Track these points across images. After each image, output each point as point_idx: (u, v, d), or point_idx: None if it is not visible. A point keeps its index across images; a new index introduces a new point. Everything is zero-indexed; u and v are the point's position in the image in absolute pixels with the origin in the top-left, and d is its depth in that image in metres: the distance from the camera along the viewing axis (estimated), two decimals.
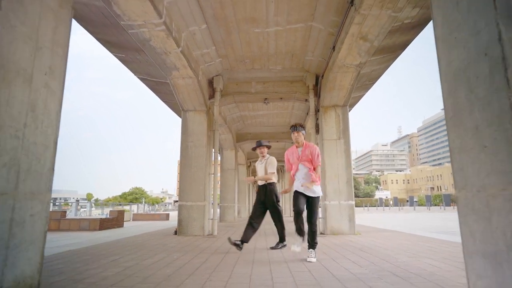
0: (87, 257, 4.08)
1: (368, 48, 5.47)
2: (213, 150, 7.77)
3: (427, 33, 6.88)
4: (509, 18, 1.41)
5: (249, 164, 18.98)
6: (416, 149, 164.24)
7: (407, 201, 63.22)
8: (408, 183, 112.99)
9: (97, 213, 23.33)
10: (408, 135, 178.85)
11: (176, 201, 55.45)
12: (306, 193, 3.81)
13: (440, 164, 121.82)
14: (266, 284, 2.67)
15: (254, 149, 5.14)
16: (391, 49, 6.52)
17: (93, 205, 27.30)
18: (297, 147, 4.07)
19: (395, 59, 7.08)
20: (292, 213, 4.06)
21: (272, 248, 4.77)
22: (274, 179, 4.87)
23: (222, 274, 3.07)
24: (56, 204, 30.91)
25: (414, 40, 6.23)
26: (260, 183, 4.92)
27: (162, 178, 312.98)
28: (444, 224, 12.70)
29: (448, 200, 43.85)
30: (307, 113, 9.57)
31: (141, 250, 4.78)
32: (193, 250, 4.71)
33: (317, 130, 7.62)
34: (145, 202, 48.76)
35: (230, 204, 13.25)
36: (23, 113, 1.92)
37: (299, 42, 6.52)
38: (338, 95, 7.14)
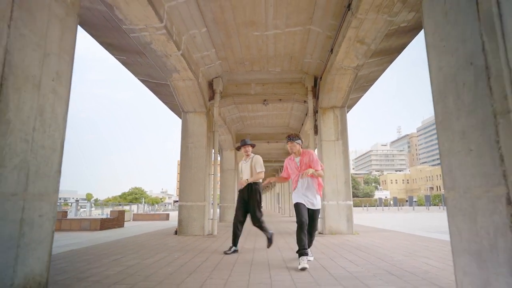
0: (89, 257, 4.17)
1: (365, 51, 5.57)
2: (213, 151, 7.85)
3: None
4: (492, 29, 1.50)
5: None
6: (416, 149, 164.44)
7: (407, 201, 63.35)
8: (408, 183, 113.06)
9: (97, 213, 23.39)
10: (407, 135, 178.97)
11: (176, 201, 55.48)
12: (307, 206, 3.75)
13: (439, 164, 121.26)
14: (265, 282, 2.76)
15: (238, 148, 5.03)
16: (388, 51, 6.62)
17: (93, 205, 27.39)
18: (294, 157, 4.08)
19: (393, 61, 7.17)
20: (292, 213, 4.10)
21: (268, 246, 4.74)
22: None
23: (222, 272, 3.16)
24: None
25: (413, 41, 6.28)
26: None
27: (161, 178, 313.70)
28: (442, 224, 12.80)
29: None
30: (306, 114, 9.66)
31: (142, 249, 4.87)
32: (194, 250, 4.80)
33: (316, 131, 7.71)
34: (144, 202, 48.87)
35: (230, 204, 13.33)
36: (32, 118, 2.01)
37: (297, 45, 6.60)
38: (336, 97, 7.23)
